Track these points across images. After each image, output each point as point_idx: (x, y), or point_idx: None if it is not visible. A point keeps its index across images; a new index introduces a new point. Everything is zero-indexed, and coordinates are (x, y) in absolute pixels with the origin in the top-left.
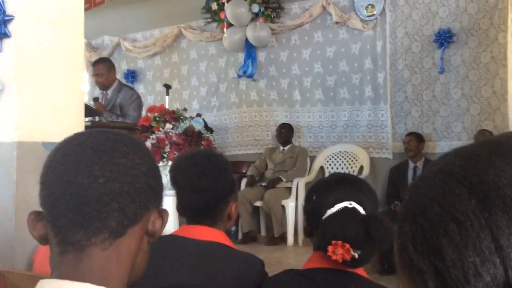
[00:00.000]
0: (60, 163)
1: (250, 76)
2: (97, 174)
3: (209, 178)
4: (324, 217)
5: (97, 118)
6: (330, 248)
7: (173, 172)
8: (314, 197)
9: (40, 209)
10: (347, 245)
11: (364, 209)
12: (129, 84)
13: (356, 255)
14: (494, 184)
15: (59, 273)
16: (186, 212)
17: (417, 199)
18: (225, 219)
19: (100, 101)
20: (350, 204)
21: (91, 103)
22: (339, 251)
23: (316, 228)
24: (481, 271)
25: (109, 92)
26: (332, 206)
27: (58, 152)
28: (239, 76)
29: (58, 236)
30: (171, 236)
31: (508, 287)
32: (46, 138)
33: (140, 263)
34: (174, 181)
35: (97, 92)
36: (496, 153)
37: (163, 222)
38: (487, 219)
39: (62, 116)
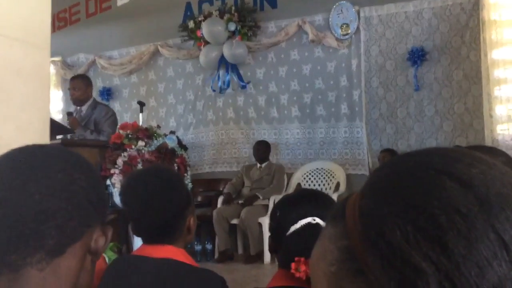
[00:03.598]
0: None
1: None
2: (32, 190)
3: (162, 197)
4: (288, 233)
5: (68, 136)
6: (293, 265)
7: (123, 194)
8: (278, 213)
9: None
10: None
11: None
12: (104, 102)
13: None
14: (481, 181)
15: None
16: (142, 233)
17: (399, 194)
18: (184, 234)
19: (74, 116)
20: (314, 220)
21: (64, 121)
22: (302, 268)
23: (280, 244)
24: (493, 265)
25: (84, 108)
26: (296, 222)
27: None
28: (220, 91)
29: None
30: (129, 256)
31: None
32: None
33: (83, 283)
34: (126, 204)
35: (72, 108)
36: (469, 154)
37: (107, 240)
38: (487, 212)
39: (26, 134)
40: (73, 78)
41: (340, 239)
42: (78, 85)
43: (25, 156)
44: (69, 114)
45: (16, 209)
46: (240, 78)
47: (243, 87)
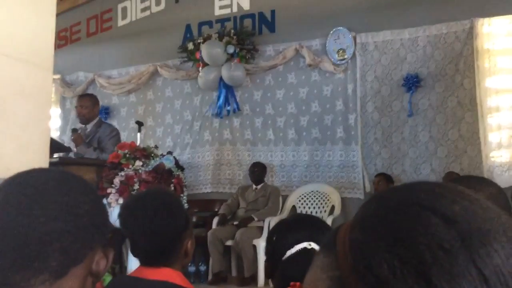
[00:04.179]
0: (0, 203)
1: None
2: (37, 213)
3: (160, 221)
4: (284, 258)
5: (71, 154)
6: None
7: (123, 216)
8: (274, 238)
9: None
10: None
11: None
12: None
13: None
14: (463, 217)
15: None
16: (140, 255)
17: (387, 229)
18: (182, 257)
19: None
20: (310, 245)
21: (62, 139)
22: None
23: (276, 269)
24: None
25: (89, 126)
26: (292, 247)
27: None
28: (218, 115)
29: None
30: (126, 277)
31: None
32: (9, 174)
33: None
34: (125, 226)
35: (71, 126)
36: (453, 190)
37: (108, 262)
38: (468, 248)
39: (27, 152)
40: (81, 97)
41: (331, 269)
42: (86, 104)
43: (31, 179)
44: (74, 130)
45: (21, 231)
46: (235, 101)
47: (235, 110)
